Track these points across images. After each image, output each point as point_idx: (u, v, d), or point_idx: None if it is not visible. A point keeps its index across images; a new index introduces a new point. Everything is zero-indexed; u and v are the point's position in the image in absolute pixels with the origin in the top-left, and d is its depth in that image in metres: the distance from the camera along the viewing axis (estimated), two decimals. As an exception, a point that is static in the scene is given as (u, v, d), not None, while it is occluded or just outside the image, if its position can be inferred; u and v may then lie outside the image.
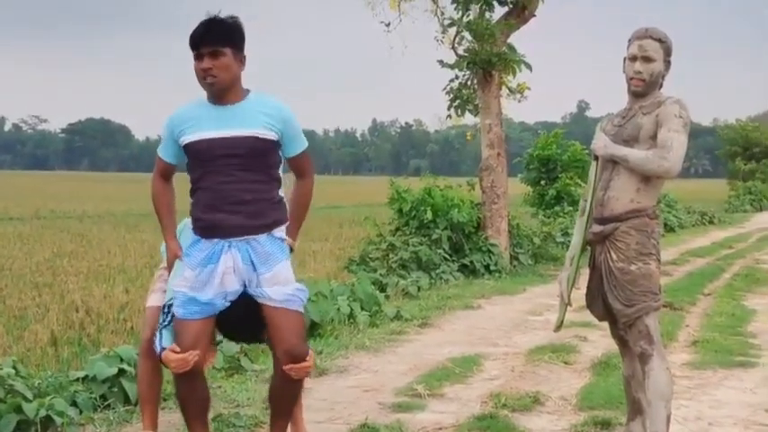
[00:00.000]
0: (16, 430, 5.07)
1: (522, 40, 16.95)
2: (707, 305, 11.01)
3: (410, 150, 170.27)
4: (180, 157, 4.48)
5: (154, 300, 4.91)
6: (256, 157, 4.32)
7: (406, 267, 12.80)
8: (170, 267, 4.60)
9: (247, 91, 4.43)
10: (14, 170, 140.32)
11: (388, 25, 15.37)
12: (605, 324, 4.97)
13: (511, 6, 14.76)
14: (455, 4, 14.64)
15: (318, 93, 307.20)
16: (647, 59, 4.56)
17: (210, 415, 5.17)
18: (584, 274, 4.81)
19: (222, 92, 4.33)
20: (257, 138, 4.30)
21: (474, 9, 14.54)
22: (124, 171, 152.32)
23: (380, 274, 11.98)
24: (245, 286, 4.37)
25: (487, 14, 14.61)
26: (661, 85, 4.65)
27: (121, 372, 5.84)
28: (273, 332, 4.39)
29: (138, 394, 5.04)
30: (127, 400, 5.75)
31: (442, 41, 14.94)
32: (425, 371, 7.17)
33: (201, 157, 4.35)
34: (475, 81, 14.82)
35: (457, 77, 14.99)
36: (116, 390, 5.79)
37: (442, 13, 14.92)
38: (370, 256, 13.34)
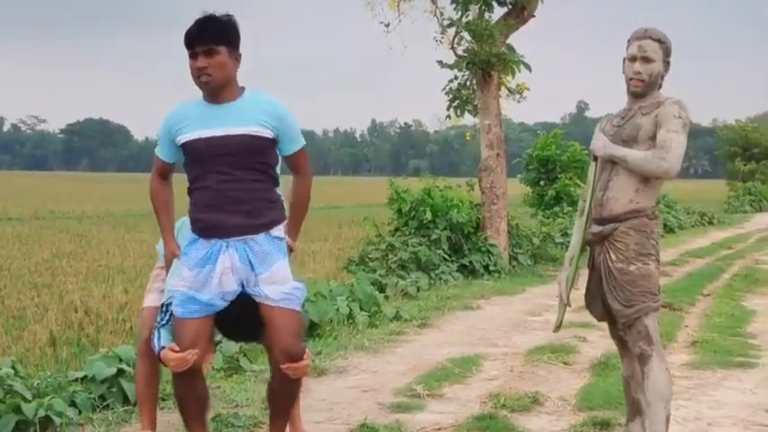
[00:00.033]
0: (15, 430, 5.07)
1: (521, 40, 16.99)
2: (706, 306, 11.01)
3: (409, 151, 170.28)
4: (177, 157, 4.47)
5: (151, 300, 4.91)
6: (253, 155, 4.31)
7: (406, 268, 12.80)
8: (168, 266, 4.60)
9: (243, 89, 4.42)
10: (13, 170, 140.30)
11: (387, 25, 15.37)
12: (604, 324, 4.97)
13: (510, 7, 14.76)
14: (454, 5, 14.65)
15: (318, 93, 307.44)
16: (647, 60, 4.56)
17: (209, 415, 5.17)
18: (584, 275, 4.81)
19: (217, 90, 4.31)
20: (253, 136, 4.29)
21: (473, 9, 14.55)
22: (123, 171, 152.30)
23: (380, 275, 11.97)
24: (243, 286, 4.36)
25: (487, 15, 14.62)
26: (660, 86, 4.65)
27: (120, 372, 5.83)
28: (270, 331, 4.38)
29: (137, 394, 5.04)
30: (126, 401, 5.75)
31: (441, 42, 14.94)
32: (425, 371, 7.17)
33: (198, 156, 4.34)
34: (474, 81, 14.81)
35: (456, 78, 14.99)
36: (115, 390, 5.79)
37: (442, 14, 14.92)
38: (370, 256, 13.34)
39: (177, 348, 4.32)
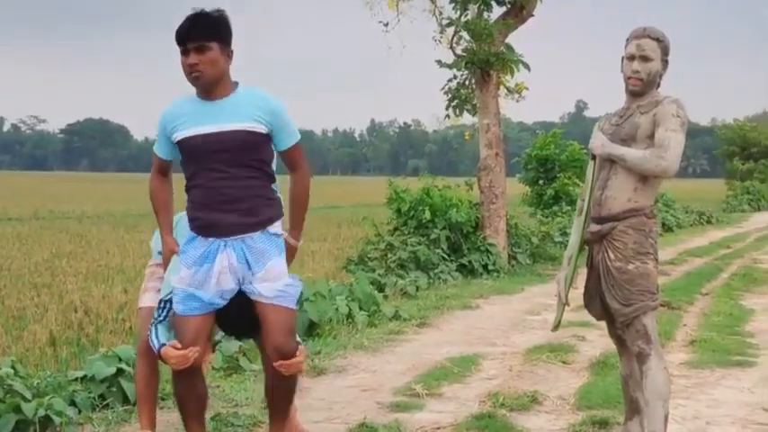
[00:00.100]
0: (15, 430, 5.07)
1: (520, 39, 16.95)
2: (705, 305, 11.02)
3: (408, 150, 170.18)
4: (174, 154, 4.48)
5: (149, 299, 4.90)
6: (248, 151, 4.30)
7: (405, 267, 12.81)
8: (166, 263, 4.60)
9: (236, 84, 4.40)
10: (13, 170, 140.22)
11: (386, 25, 15.37)
12: (603, 324, 4.98)
13: (509, 6, 14.76)
14: (453, 4, 14.65)
15: (317, 93, 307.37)
16: (645, 59, 4.56)
17: (209, 414, 5.19)
18: (582, 274, 4.82)
19: (209, 86, 4.31)
20: (247, 131, 4.28)
21: (472, 9, 14.55)
22: (123, 171, 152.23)
23: (379, 274, 11.98)
24: (240, 284, 4.37)
25: (485, 14, 14.62)
26: (659, 85, 4.66)
27: (120, 371, 5.84)
28: (264, 328, 4.39)
29: (136, 394, 5.04)
30: (125, 400, 5.76)
31: (440, 41, 14.94)
32: (424, 370, 7.18)
33: (193, 153, 4.34)
34: (473, 81, 14.81)
35: (455, 77, 15.00)
36: (114, 389, 5.79)
37: (440, 13, 14.92)
38: (369, 256, 13.34)
39: (179, 346, 4.33)
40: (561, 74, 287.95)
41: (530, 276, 14.02)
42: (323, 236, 19.56)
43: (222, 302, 4.38)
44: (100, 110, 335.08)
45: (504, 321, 9.83)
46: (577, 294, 4.86)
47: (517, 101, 15.55)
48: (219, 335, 6.79)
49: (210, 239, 4.34)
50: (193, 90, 4.39)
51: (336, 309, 8.94)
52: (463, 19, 14.52)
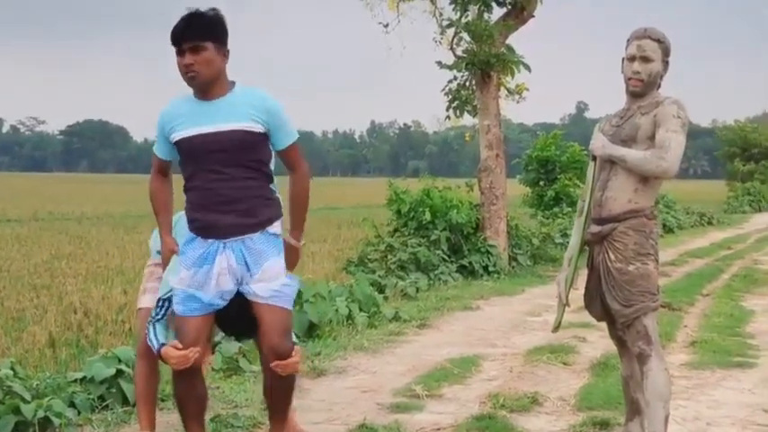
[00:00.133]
0: (14, 431, 5.07)
1: (520, 40, 17.02)
2: (705, 306, 11.02)
3: (409, 151, 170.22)
4: (173, 154, 4.46)
5: (148, 300, 4.89)
6: (245, 151, 4.28)
7: (405, 268, 12.80)
8: (165, 263, 4.59)
9: (233, 83, 4.38)
10: (12, 172, 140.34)
11: (386, 26, 15.36)
12: (604, 325, 4.97)
13: (509, 7, 14.76)
14: (453, 5, 14.64)
15: (317, 93, 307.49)
16: (646, 60, 4.56)
17: (209, 415, 5.19)
18: (583, 275, 4.81)
19: (205, 86, 4.29)
20: (244, 131, 4.26)
21: (472, 10, 14.55)
22: (122, 172, 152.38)
23: (379, 276, 11.98)
24: (238, 284, 4.36)
25: (486, 15, 14.61)
26: (659, 86, 4.66)
27: (119, 373, 5.83)
28: (260, 329, 4.38)
29: (136, 395, 5.03)
30: (125, 401, 5.75)
31: (440, 42, 14.94)
32: (424, 371, 7.17)
33: (190, 153, 4.33)
34: (473, 82, 14.81)
35: (455, 78, 14.99)
36: (114, 391, 5.78)
37: (441, 14, 14.91)
38: (369, 257, 13.34)
39: (180, 346, 4.33)
40: (562, 75, 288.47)
41: (530, 277, 14.02)
42: (323, 237, 19.56)
43: (222, 303, 4.37)
44: (99, 111, 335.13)
45: (505, 322, 9.82)
46: (578, 295, 4.86)
47: (518, 102, 15.56)
48: (219, 336, 6.78)
49: (210, 241, 4.33)
50: (191, 90, 4.37)
51: (336, 310, 8.94)
52: (463, 20, 14.52)
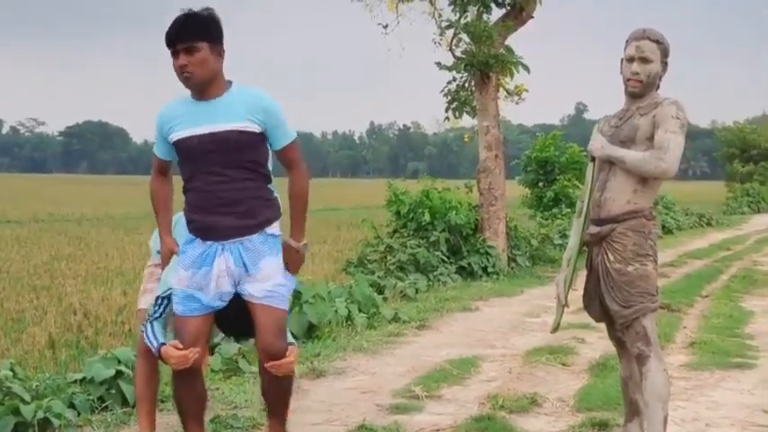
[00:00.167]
0: (14, 432, 5.08)
1: (519, 41, 17.01)
2: (704, 307, 11.02)
3: (408, 153, 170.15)
4: (173, 154, 4.46)
5: (147, 301, 4.89)
6: (242, 152, 4.27)
7: (404, 269, 12.81)
8: (165, 263, 4.60)
9: (230, 83, 4.38)
10: (12, 173, 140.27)
11: (385, 27, 15.37)
12: (603, 326, 4.98)
13: (508, 8, 14.78)
14: (453, 6, 14.66)
15: (317, 94, 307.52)
16: (645, 60, 4.56)
17: (208, 416, 5.19)
18: (582, 276, 4.81)
19: (201, 87, 4.29)
20: (240, 131, 4.25)
21: (471, 11, 14.55)
22: (122, 174, 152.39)
23: (378, 277, 11.99)
24: (236, 285, 4.36)
25: (485, 16, 14.63)
26: (658, 87, 4.66)
27: (119, 374, 5.83)
28: (256, 329, 4.38)
29: (136, 395, 5.04)
30: (125, 402, 5.76)
31: (439, 43, 14.95)
32: (423, 372, 7.17)
33: (188, 154, 4.34)
34: (472, 83, 14.82)
35: (454, 79, 15.01)
36: (114, 392, 5.79)
37: (440, 15, 14.93)
38: (368, 258, 13.35)
39: (180, 346, 4.33)
40: (561, 76, 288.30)
41: (529, 278, 14.02)
42: (322, 238, 19.57)
43: (221, 304, 4.37)
44: (99, 112, 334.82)
45: (504, 323, 9.83)
46: (577, 296, 4.86)
47: (517, 103, 15.57)
48: (219, 337, 6.79)
49: (208, 242, 4.33)
50: (188, 91, 4.38)
51: (336, 311, 8.94)
52: (462, 21, 14.52)
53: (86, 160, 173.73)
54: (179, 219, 4.65)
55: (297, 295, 8.47)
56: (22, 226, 24.30)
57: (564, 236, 17.20)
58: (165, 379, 5.28)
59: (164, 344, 4.43)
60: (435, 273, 13.10)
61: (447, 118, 15.40)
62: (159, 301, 4.60)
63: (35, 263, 14.51)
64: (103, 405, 5.72)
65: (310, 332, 8.40)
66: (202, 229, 4.34)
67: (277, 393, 4.61)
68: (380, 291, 11.15)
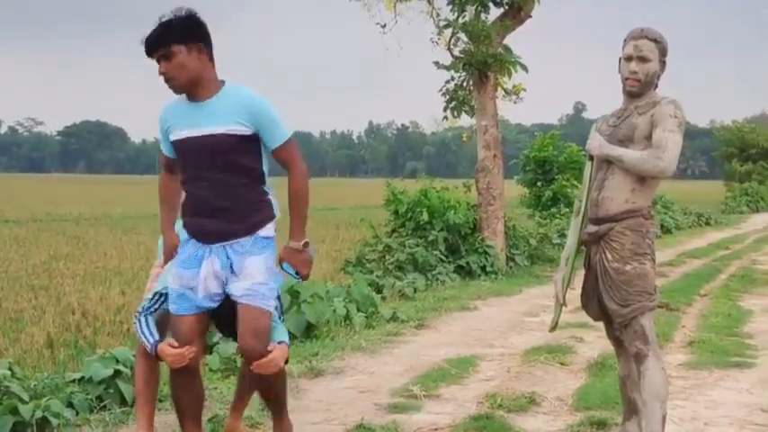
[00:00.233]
0: (12, 431, 5.08)
1: (517, 41, 17.01)
2: (703, 306, 11.03)
3: (406, 152, 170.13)
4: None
5: (149, 301, 4.91)
6: (230, 155, 4.23)
7: (403, 269, 12.81)
8: (166, 257, 4.59)
9: (222, 83, 4.34)
10: (10, 173, 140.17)
11: (384, 26, 15.36)
12: (601, 325, 4.98)
13: (506, 7, 14.77)
14: (450, 6, 14.66)
15: (316, 94, 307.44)
16: (643, 59, 4.56)
17: (206, 416, 5.19)
18: (580, 275, 4.81)
19: (187, 90, 4.27)
20: (227, 135, 4.21)
21: (469, 10, 14.55)
22: (120, 173, 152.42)
23: (377, 276, 11.99)
24: (224, 286, 4.35)
25: (483, 15, 14.63)
26: (656, 86, 4.66)
27: (117, 373, 5.83)
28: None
29: (135, 393, 5.04)
30: (123, 402, 5.75)
31: (437, 43, 14.95)
32: (421, 372, 7.17)
33: (181, 155, 4.35)
34: (471, 82, 14.82)
35: (453, 79, 15.01)
36: (112, 391, 5.79)
37: (438, 15, 14.93)
38: (367, 257, 13.35)
39: (176, 344, 4.33)
40: (559, 75, 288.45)
41: (527, 278, 14.03)
42: (321, 237, 19.54)
43: (213, 304, 4.36)
44: (97, 112, 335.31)
45: (502, 323, 9.83)
46: (575, 295, 4.86)
47: (515, 102, 15.58)
48: (217, 336, 6.79)
49: (199, 244, 4.33)
50: None
51: (334, 310, 8.94)
52: (461, 20, 14.52)
53: (84, 160, 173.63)
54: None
55: (295, 295, 8.48)
56: (20, 226, 24.29)
57: (562, 235, 17.20)
58: (164, 378, 5.27)
59: (159, 341, 4.44)
60: (434, 272, 13.10)
61: (445, 117, 15.39)
62: (156, 297, 4.61)
63: (33, 262, 14.50)
64: (102, 404, 5.71)
65: (309, 331, 8.40)
66: (193, 233, 4.35)
67: (266, 391, 4.60)
68: (379, 290, 11.15)
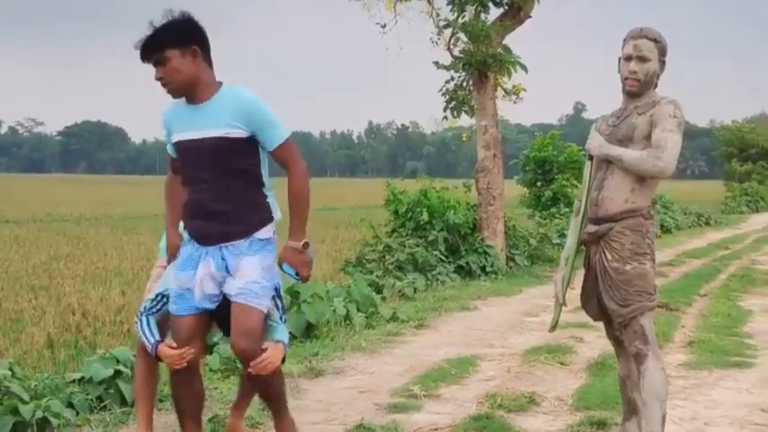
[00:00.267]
0: (12, 432, 5.08)
1: (517, 41, 17.01)
2: (703, 306, 11.03)
3: (406, 152, 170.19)
4: None
5: (149, 301, 4.91)
6: (225, 158, 4.22)
7: (403, 269, 12.81)
8: (170, 257, 4.59)
9: (220, 84, 4.32)
10: (11, 173, 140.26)
11: (383, 26, 15.36)
12: (601, 325, 4.98)
13: (506, 8, 14.77)
14: (450, 6, 14.66)
15: (316, 94, 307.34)
16: (642, 59, 4.56)
17: (207, 416, 5.19)
18: (580, 275, 4.81)
19: (184, 93, 4.27)
20: (222, 138, 4.19)
21: (469, 10, 14.55)
22: (120, 173, 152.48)
23: (377, 276, 11.99)
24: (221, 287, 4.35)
25: (483, 16, 14.63)
26: (656, 85, 4.66)
27: (117, 373, 5.83)
28: None
29: (135, 393, 5.04)
30: (123, 402, 5.75)
31: (437, 43, 14.95)
32: (421, 372, 7.17)
33: (182, 157, 4.35)
34: (470, 82, 14.82)
35: (452, 79, 15.00)
36: (112, 391, 5.79)
37: (438, 15, 14.92)
38: (367, 257, 13.35)
39: (175, 345, 4.34)
40: (559, 75, 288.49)
41: (527, 278, 14.03)
42: (321, 238, 19.54)
43: (211, 305, 4.36)
44: (97, 112, 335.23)
45: (502, 323, 9.83)
46: (575, 295, 4.86)
47: (515, 102, 15.58)
48: (218, 336, 6.79)
49: (198, 245, 4.34)
50: None
51: (334, 310, 8.94)
52: (460, 20, 14.52)
53: (85, 160, 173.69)
54: None
55: (295, 295, 8.48)
56: (20, 226, 24.29)
57: (562, 235, 17.20)
58: (164, 378, 5.28)
59: (160, 341, 4.45)
60: (434, 272, 13.10)
61: (445, 117, 15.39)
62: (159, 298, 4.61)
63: (34, 263, 14.51)
64: (102, 405, 5.72)
65: (309, 331, 8.41)
66: (191, 235, 4.36)
67: (264, 392, 4.58)
68: (379, 290, 11.15)
